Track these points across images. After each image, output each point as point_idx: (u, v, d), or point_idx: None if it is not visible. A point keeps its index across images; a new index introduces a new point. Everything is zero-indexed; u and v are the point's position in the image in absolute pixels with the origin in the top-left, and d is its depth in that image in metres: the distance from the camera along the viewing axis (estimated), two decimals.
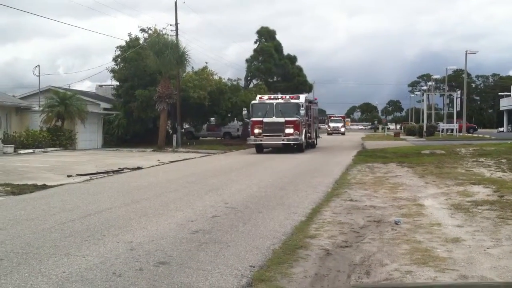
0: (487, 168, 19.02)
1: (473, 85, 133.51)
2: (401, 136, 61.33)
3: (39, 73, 41.06)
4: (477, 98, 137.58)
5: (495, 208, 10.56)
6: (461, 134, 56.66)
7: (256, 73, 52.49)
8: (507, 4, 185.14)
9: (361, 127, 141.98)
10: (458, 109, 62.69)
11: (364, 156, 26.69)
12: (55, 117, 33.93)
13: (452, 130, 59.32)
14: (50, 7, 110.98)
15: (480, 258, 7.05)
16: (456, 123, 59.52)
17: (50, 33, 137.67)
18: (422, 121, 62.86)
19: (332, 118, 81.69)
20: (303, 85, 56.66)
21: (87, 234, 8.49)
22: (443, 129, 58.85)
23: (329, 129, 75.40)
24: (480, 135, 59.51)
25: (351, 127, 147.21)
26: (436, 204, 11.42)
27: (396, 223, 9.30)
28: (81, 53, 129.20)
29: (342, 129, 77.21)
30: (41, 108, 35.00)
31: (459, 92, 67.93)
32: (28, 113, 35.53)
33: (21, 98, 40.45)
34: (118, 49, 42.35)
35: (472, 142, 37.34)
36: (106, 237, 8.26)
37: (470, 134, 62.70)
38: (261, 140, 30.51)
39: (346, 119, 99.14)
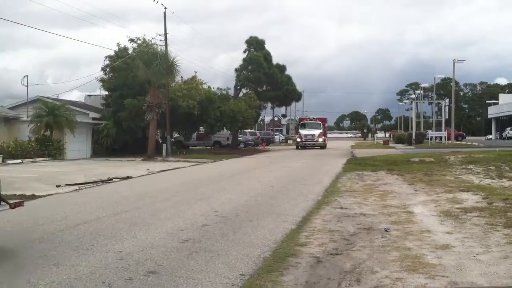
0: (476, 175, 19.12)
1: (461, 93, 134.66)
2: (390, 144, 61.58)
3: (27, 83, 40.94)
4: (465, 106, 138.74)
5: (484, 215, 10.61)
6: (450, 141, 56.95)
7: (245, 82, 52.67)
8: (493, 13, 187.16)
9: (350, 135, 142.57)
10: (447, 117, 63.04)
11: (354, 164, 26.75)
12: (44, 127, 33.75)
13: (441, 138, 59.59)
14: (40, 18, 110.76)
15: (470, 265, 7.07)
16: (445, 131, 59.82)
17: (39, 43, 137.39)
18: (411, 129, 63.10)
19: (304, 122, 57.42)
20: (292, 94, 57.02)
21: (76, 244, 8.44)
22: (432, 137, 59.13)
23: (298, 140, 54.43)
24: (468, 143, 59.87)
25: (340, 135, 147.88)
26: (426, 211, 11.46)
27: (386, 230, 9.32)
28: (70, 63, 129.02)
29: (320, 139, 53.26)
30: (29, 118, 34.81)
31: (447, 100, 68.29)
32: (16, 123, 35.33)
33: (9, 108, 40.18)
34: (107, 59, 42.36)
35: (461, 150, 37.51)
36: (95, 247, 8.21)
37: (458, 142, 63.04)
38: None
39: (326, 125, 63.96)
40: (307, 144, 52.72)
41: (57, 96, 46.01)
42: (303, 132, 54.07)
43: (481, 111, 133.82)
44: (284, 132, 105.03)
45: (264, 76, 51.32)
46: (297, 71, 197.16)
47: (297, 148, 53.63)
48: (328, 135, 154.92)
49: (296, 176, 21.32)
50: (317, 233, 9.29)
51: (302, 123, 57.41)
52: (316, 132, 53.77)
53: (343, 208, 12.01)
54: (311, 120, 57.75)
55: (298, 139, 54.75)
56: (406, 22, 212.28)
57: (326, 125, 63.08)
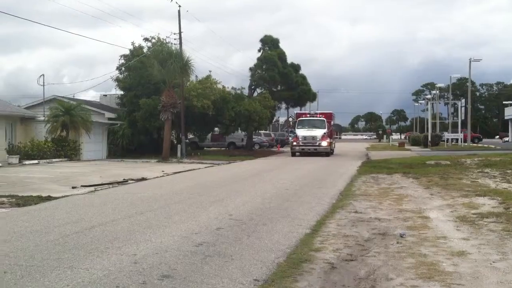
0: (492, 179, 18.93)
1: (477, 93, 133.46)
2: (406, 146, 61.19)
3: (43, 82, 41.18)
4: (482, 107, 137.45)
5: (501, 221, 10.50)
6: (466, 144, 56.51)
7: (260, 81, 52.56)
8: (506, 12, 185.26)
9: (365, 137, 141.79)
10: (463, 118, 62.57)
11: (369, 166, 26.63)
12: (60, 127, 33.97)
13: (457, 140, 59.14)
14: (55, 17, 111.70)
15: (486, 272, 6.99)
16: (461, 132, 59.35)
17: (55, 43, 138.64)
18: (427, 131, 62.69)
19: (303, 119, 44.50)
20: (307, 94, 56.71)
21: (91, 246, 8.47)
22: (448, 139, 58.72)
23: (294, 143, 41.99)
24: (485, 145, 59.37)
25: (354, 137, 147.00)
26: (442, 216, 11.36)
27: (401, 236, 9.25)
28: (86, 63, 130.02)
29: (324, 142, 40.56)
30: (46, 118, 35.06)
31: (463, 100, 67.88)
32: (33, 123, 35.61)
33: (26, 108, 40.58)
34: (122, 58, 42.58)
35: (477, 152, 37.22)
36: (110, 250, 8.24)
37: (475, 144, 62.55)
38: None
39: (333, 124, 50.73)
40: (305, 149, 40.18)
41: (73, 96, 46.47)
42: (301, 132, 41.13)
43: (497, 112, 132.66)
44: None
45: (278, 75, 51.13)
46: (311, 70, 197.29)
47: (292, 154, 40.67)
48: (343, 137, 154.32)
49: (310, 179, 21.26)
50: (331, 238, 9.25)
51: (300, 120, 43.62)
52: (318, 132, 40.56)
53: (358, 213, 11.95)
54: (312, 116, 44.42)
55: (294, 143, 41.47)
56: (419, 21, 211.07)
57: (332, 122, 47.17)
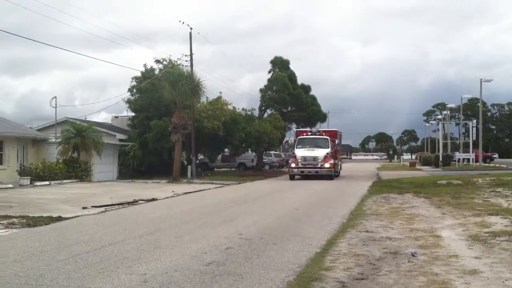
0: (504, 199, 18.78)
1: (489, 114, 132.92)
2: (417, 166, 60.94)
3: (55, 104, 41.56)
4: (493, 127, 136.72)
5: None
6: (477, 163, 56.15)
7: (270, 102, 52.71)
8: None
9: (376, 157, 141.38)
10: (474, 138, 62.27)
11: (380, 186, 26.50)
12: (72, 149, 34.18)
13: (468, 159, 58.81)
14: (68, 40, 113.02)
15: None
16: (472, 152, 59.04)
17: (68, 65, 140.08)
18: (438, 151, 62.40)
19: (303, 137, 38.92)
20: (317, 115, 56.72)
21: (101, 266, 8.46)
22: (459, 159, 58.41)
23: (293, 165, 36.47)
24: (497, 165, 58.96)
25: (365, 157, 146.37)
26: (453, 235, 11.25)
27: (413, 254, 9.16)
28: (98, 85, 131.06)
29: (327, 164, 35.58)
30: (57, 140, 35.31)
31: (474, 121, 67.57)
32: (44, 145, 35.86)
33: (38, 130, 40.87)
34: (133, 80, 42.90)
35: (489, 172, 36.97)
36: (119, 269, 8.22)
37: (486, 164, 62.14)
38: None
39: (338, 143, 42.86)
40: (305, 171, 35.36)
41: (85, 118, 46.75)
42: (300, 152, 36.12)
43: (509, 132, 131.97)
44: None
45: (289, 96, 51.27)
46: (322, 91, 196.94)
47: (291, 178, 35.79)
48: (354, 157, 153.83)
49: (320, 199, 21.19)
50: (342, 257, 9.18)
51: (299, 139, 38.38)
52: (320, 152, 35.82)
53: (369, 232, 11.86)
54: (314, 134, 39.55)
55: (292, 164, 36.22)
56: (431, 42, 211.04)
57: (338, 141, 41.05)
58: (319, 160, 35.20)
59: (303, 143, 37.30)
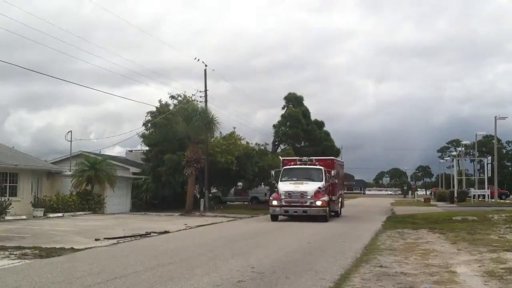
0: None
1: (504, 151, 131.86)
2: (432, 202, 60.42)
3: (71, 138, 41.97)
4: (509, 164, 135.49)
5: None
6: (493, 200, 55.58)
7: (283, 138, 52.94)
8: None
9: (390, 192, 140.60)
10: (489, 174, 61.80)
11: (394, 221, 26.27)
12: (85, 181, 34.39)
13: (483, 196, 58.28)
14: (84, 76, 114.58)
15: None
16: (488, 189, 58.53)
17: (84, 100, 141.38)
18: (453, 187, 61.90)
19: (290, 167, 31.20)
20: (330, 150, 56.77)
21: None
22: (474, 195, 57.89)
23: (275, 202, 28.53)
24: None
25: (379, 192, 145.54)
26: (469, 271, 11.08)
27: None
28: (112, 119, 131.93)
29: (319, 201, 27.80)
30: (72, 173, 35.56)
31: (489, 157, 67.14)
32: (59, 177, 36.11)
33: (53, 163, 41.23)
34: (148, 115, 43.33)
35: (505, 208, 36.55)
36: None
37: (502, 200, 61.48)
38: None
39: (333, 173, 30.79)
40: (289, 211, 27.64)
41: (100, 151, 47.06)
42: (285, 186, 28.52)
43: None
44: None
45: (302, 132, 51.49)
46: (335, 127, 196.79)
47: (272, 219, 28.20)
48: (367, 192, 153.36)
49: (334, 233, 21.02)
50: None
51: (285, 170, 30.37)
52: (311, 186, 28.15)
53: (383, 267, 11.71)
54: (304, 164, 31.02)
55: (274, 201, 28.24)
56: (445, 80, 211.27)
57: (334, 173, 30.71)
58: (308, 197, 27.26)
59: (289, 175, 29.38)
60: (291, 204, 27.50)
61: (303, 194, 27.54)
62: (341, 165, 37.48)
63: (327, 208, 27.89)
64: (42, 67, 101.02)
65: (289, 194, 27.78)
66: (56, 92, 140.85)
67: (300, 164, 30.91)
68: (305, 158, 32.18)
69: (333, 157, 35.99)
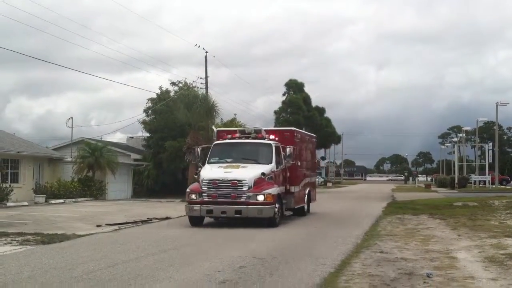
0: None
1: (505, 137, 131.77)
2: (432, 188, 60.50)
3: (72, 125, 41.94)
4: (509, 150, 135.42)
5: None
6: (494, 186, 55.64)
7: (284, 124, 52.81)
8: None
9: (391, 178, 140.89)
10: (490, 161, 61.83)
11: (394, 207, 26.30)
12: (86, 168, 34.45)
13: (484, 182, 58.36)
14: (85, 63, 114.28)
15: None
16: (489, 175, 58.58)
17: (85, 87, 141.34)
18: (454, 173, 61.94)
19: (223, 142, 19.85)
20: (332, 136, 56.92)
21: (114, 283, 8.45)
22: (475, 181, 57.96)
23: (193, 196, 17.64)
24: None
25: (379, 178, 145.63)
26: (469, 256, 11.11)
27: (428, 276, 9.05)
28: (113, 106, 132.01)
29: (260, 197, 16.86)
30: (73, 159, 35.60)
31: (490, 144, 67.23)
32: (60, 164, 36.17)
33: (54, 149, 41.30)
34: (149, 102, 43.29)
35: (506, 194, 36.60)
36: (132, 287, 8.22)
37: (503, 186, 61.56)
38: None
39: (296, 148, 20.11)
40: (214, 210, 17.40)
41: (101, 138, 47.08)
42: (209, 173, 18.04)
43: None
44: (324, 175, 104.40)
45: (303, 118, 51.51)
46: (336, 113, 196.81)
47: (191, 222, 18.07)
48: (368, 178, 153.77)
49: (335, 219, 21.05)
50: (356, 277, 9.08)
51: (216, 146, 19.88)
52: (249, 172, 17.70)
53: (383, 253, 11.74)
54: (246, 137, 20.14)
55: (192, 195, 17.86)
56: (446, 66, 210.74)
57: (289, 151, 19.27)
58: (245, 188, 17.04)
59: (222, 154, 19.14)
60: (218, 200, 17.15)
61: (236, 184, 17.07)
62: (309, 141, 25.37)
63: (276, 206, 17.27)
64: (42, 54, 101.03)
65: (214, 184, 17.26)
66: (56, 79, 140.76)
67: (240, 138, 19.96)
68: (249, 128, 21.09)
69: (294, 128, 22.86)
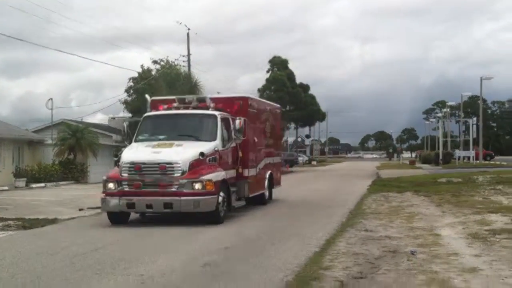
0: (505, 196, 18.69)
1: (489, 111, 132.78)
2: (417, 164, 60.90)
3: (52, 106, 41.26)
4: (494, 124, 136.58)
5: None
6: (478, 161, 56.11)
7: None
8: None
9: (375, 155, 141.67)
10: (475, 136, 62.20)
11: (379, 185, 26.40)
12: (67, 150, 34.00)
13: (468, 157, 58.80)
14: (64, 42, 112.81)
15: None
16: (473, 150, 59.03)
17: (64, 67, 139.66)
18: (438, 149, 62.33)
19: (152, 114, 15.96)
20: (316, 114, 56.86)
21: (97, 267, 8.36)
22: (459, 157, 58.38)
23: (110, 185, 13.50)
24: (497, 162, 58.91)
25: (365, 155, 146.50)
26: (453, 233, 11.16)
27: (412, 253, 9.07)
28: (94, 86, 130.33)
29: (198, 184, 12.92)
30: (53, 142, 35.14)
31: (475, 118, 67.53)
32: (40, 147, 35.66)
33: (34, 132, 40.61)
34: (130, 81, 42.86)
35: (489, 170, 36.91)
36: (116, 271, 8.14)
37: (487, 162, 62.10)
38: None
39: (256, 122, 17.65)
40: (137, 204, 13.16)
41: (81, 119, 46.51)
42: (132, 153, 14.06)
43: (510, 130, 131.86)
44: (308, 153, 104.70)
45: (287, 95, 51.27)
46: (321, 90, 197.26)
47: (112, 220, 13.54)
48: (351, 155, 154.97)
49: (320, 198, 21.08)
50: (341, 256, 9.07)
51: (147, 119, 15.78)
52: (183, 153, 13.62)
53: (368, 231, 11.75)
54: (184, 105, 15.65)
55: (110, 184, 13.59)
56: (432, 40, 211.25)
57: (239, 123, 14.94)
58: (177, 173, 13.27)
59: (153, 129, 15.50)
60: (142, 190, 13.23)
61: (165, 168, 13.26)
62: (271, 112, 20.36)
63: (220, 196, 13.45)
64: (21, 33, 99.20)
65: (137, 168, 13.36)
66: (35, 59, 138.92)
67: (178, 108, 15.78)
68: (190, 97, 16.78)
69: (248, 95, 18.48)
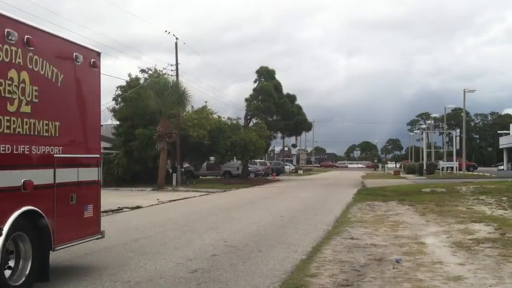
0: (488, 206, 18.97)
1: (472, 123, 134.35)
2: (401, 175, 61.31)
3: None
4: (476, 136, 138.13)
5: (497, 246, 10.49)
6: (461, 172, 56.64)
7: (255, 112, 52.77)
8: (501, 45, 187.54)
9: (361, 165, 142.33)
10: (458, 147, 62.84)
11: (364, 194, 26.59)
12: None
13: (452, 168, 59.36)
14: None
15: None
16: (456, 161, 59.60)
17: None
18: (422, 160, 62.83)
19: None
20: (303, 124, 57.04)
21: (84, 273, 8.38)
22: (443, 167, 58.90)
23: None
24: (480, 173, 59.49)
25: (350, 165, 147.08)
26: (438, 242, 11.32)
27: (397, 261, 9.19)
28: None
29: None
30: None
31: (458, 130, 68.29)
32: None
33: None
34: (118, 89, 42.74)
35: (473, 180, 37.29)
36: (103, 277, 8.16)
37: (470, 172, 62.70)
38: None
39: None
40: None
41: None
42: None
43: (492, 141, 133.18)
44: (294, 162, 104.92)
45: (274, 105, 51.43)
46: (307, 101, 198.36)
47: None
48: (337, 164, 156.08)
49: (306, 206, 21.19)
50: (327, 264, 9.18)
51: None
52: None
53: (353, 239, 11.88)
54: None
55: None
56: (415, 53, 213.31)
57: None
58: None
59: None
60: None
61: None
62: (67, 58, 8.65)
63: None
64: None
65: None
66: None
67: None
68: None
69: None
